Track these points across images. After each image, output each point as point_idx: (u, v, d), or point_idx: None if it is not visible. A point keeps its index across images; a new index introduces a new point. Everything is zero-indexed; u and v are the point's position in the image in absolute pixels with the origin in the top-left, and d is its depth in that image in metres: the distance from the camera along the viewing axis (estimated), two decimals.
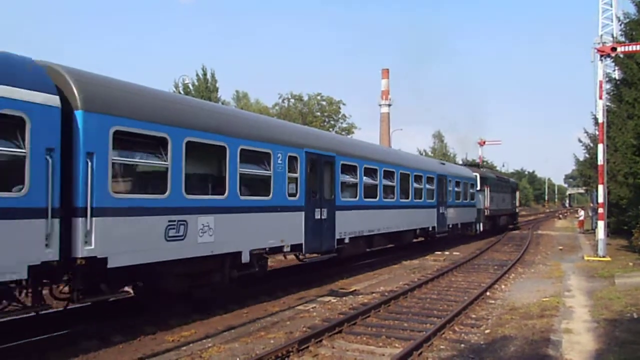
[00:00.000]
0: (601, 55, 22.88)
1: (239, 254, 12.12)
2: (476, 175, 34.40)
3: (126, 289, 10.69)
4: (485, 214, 35.10)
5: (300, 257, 14.95)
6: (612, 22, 33.90)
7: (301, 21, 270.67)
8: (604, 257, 22.60)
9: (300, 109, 62.21)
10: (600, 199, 23.59)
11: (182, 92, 36.79)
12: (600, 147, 23.28)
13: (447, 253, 25.57)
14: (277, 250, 13.76)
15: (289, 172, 13.86)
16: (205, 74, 40.19)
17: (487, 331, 10.55)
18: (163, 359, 8.81)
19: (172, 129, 10.31)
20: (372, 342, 9.75)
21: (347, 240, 16.77)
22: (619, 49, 22.62)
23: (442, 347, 9.47)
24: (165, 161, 10.15)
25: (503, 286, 16.11)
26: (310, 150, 14.89)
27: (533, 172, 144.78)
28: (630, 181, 22.75)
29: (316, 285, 15.97)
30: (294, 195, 14.10)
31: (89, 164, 8.61)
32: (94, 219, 8.69)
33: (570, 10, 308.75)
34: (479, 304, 13.27)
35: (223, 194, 11.65)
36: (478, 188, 33.98)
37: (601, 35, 24.80)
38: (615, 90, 27.83)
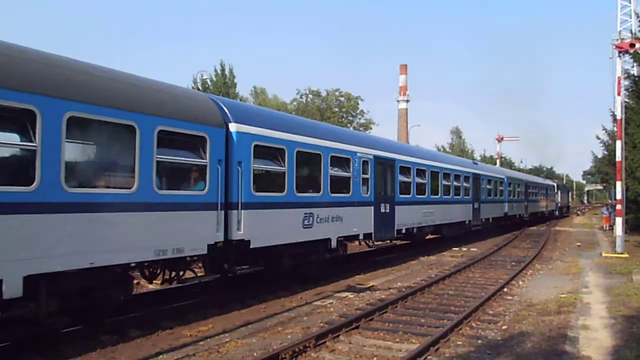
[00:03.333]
0: (620, 52, 22.70)
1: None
2: (555, 184, 62.16)
3: None
4: (558, 205, 62.43)
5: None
6: (630, 18, 33.56)
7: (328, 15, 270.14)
8: (621, 253, 22.48)
9: (319, 104, 62.30)
10: (618, 196, 23.45)
11: (200, 88, 36.73)
12: (619, 143, 23.13)
13: (464, 249, 25.55)
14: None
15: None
16: (223, 70, 40.04)
17: (504, 327, 10.59)
18: (180, 353, 8.85)
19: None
20: (389, 338, 9.80)
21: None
22: (637, 45, 22.44)
23: (459, 342, 9.52)
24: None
25: (520, 282, 16.10)
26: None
27: (551, 168, 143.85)
28: None
29: (333, 280, 16.09)
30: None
31: None
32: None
33: (588, 6, 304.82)
34: (496, 300, 13.30)
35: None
36: (555, 191, 60.60)
37: (620, 32, 24.45)
38: (633, 86, 27.56)
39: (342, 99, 63.75)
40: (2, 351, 8.44)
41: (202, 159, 10.61)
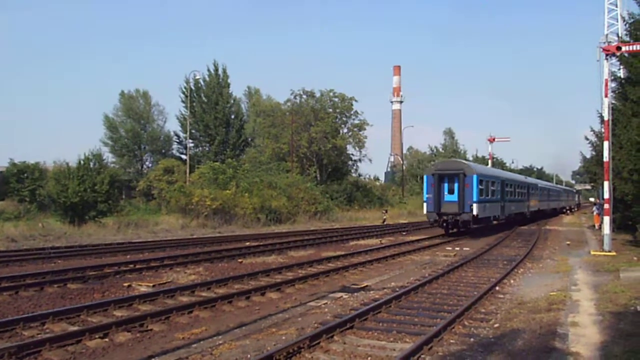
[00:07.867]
0: (606, 54, 22.93)
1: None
2: (575, 190, 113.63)
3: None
4: (577, 203, 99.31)
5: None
6: (617, 21, 34.00)
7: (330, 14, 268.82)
8: (609, 252, 22.77)
9: (312, 105, 62.14)
10: (606, 195, 23.75)
11: (192, 87, 36.59)
12: (606, 144, 23.43)
13: (457, 249, 25.75)
14: None
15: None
16: (216, 69, 39.73)
17: (496, 325, 10.74)
18: (173, 356, 8.73)
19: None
20: (383, 338, 9.83)
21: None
22: (623, 48, 22.73)
23: (452, 341, 9.61)
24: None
25: (512, 281, 16.29)
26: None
27: (541, 168, 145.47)
28: (635, 178, 22.78)
29: (328, 281, 16.21)
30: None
31: None
32: None
33: (576, 10, 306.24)
34: (489, 298, 13.45)
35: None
36: (575, 194, 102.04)
37: (607, 35, 24.90)
38: (620, 88, 27.89)
39: (336, 99, 63.57)
40: None
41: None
